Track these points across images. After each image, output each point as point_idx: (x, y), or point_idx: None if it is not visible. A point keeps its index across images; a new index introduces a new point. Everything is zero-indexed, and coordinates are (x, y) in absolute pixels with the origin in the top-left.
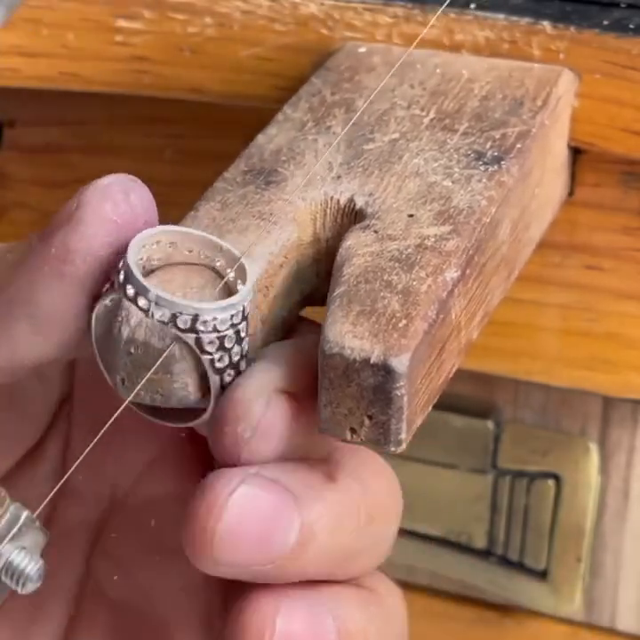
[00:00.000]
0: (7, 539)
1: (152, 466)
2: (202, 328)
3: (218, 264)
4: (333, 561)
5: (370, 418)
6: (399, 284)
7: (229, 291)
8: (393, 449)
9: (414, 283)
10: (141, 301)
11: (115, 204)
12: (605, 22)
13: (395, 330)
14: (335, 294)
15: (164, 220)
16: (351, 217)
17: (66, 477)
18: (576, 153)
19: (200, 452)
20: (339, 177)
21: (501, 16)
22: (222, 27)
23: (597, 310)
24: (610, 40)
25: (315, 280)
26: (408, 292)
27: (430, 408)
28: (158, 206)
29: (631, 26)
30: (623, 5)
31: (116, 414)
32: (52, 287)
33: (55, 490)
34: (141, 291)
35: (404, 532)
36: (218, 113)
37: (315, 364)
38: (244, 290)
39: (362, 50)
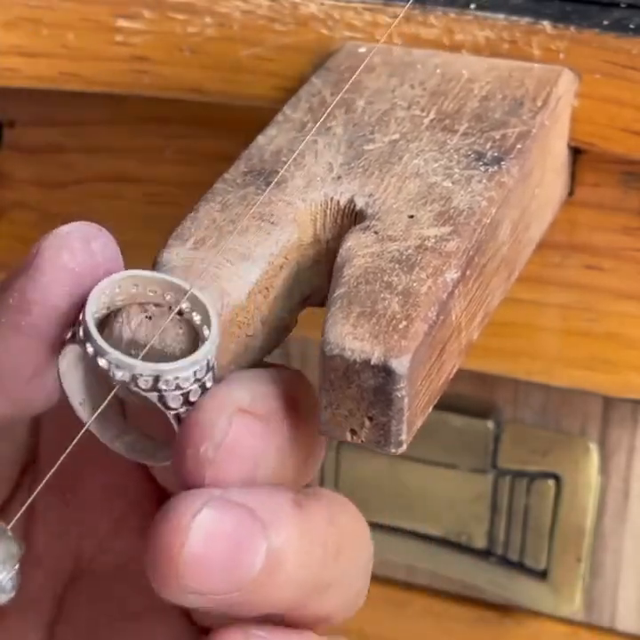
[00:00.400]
0: None
1: (115, 531)
2: (164, 387)
3: (183, 306)
4: (301, 592)
5: (370, 419)
6: (399, 286)
7: (194, 332)
8: (393, 450)
9: (414, 284)
10: (101, 361)
11: (72, 253)
12: (605, 22)
13: (395, 331)
14: (335, 295)
15: (164, 220)
16: (351, 218)
17: (35, 494)
18: (576, 153)
19: None
20: (339, 178)
21: (501, 16)
22: (222, 27)
23: (597, 310)
24: (610, 40)
25: (315, 281)
26: (408, 294)
27: (431, 409)
28: (158, 206)
29: (631, 26)
30: (623, 5)
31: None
32: (9, 339)
33: (26, 505)
34: (100, 352)
35: (404, 532)
36: (218, 113)
37: (279, 389)
38: (206, 344)
39: (362, 50)
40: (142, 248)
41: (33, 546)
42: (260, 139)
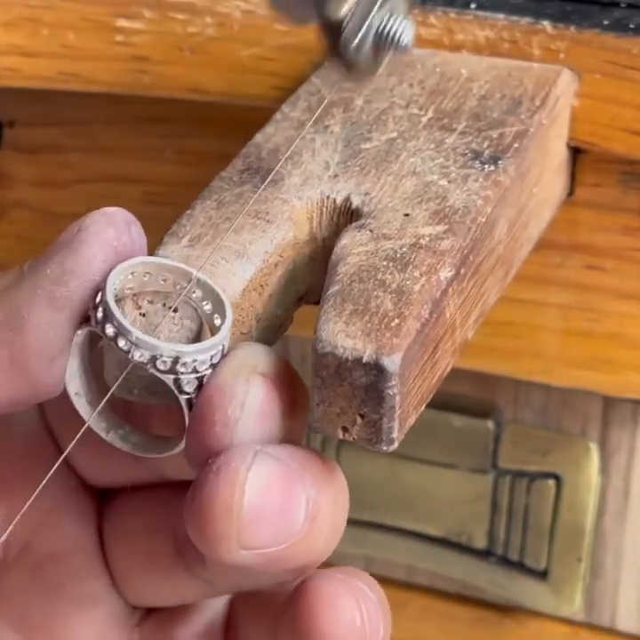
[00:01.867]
0: None
1: (44, 523)
2: (182, 369)
3: (194, 296)
4: (330, 541)
5: (362, 416)
6: (393, 284)
7: (200, 323)
8: (385, 448)
9: (408, 282)
10: (121, 342)
11: (118, 231)
12: (605, 22)
13: (387, 329)
14: (329, 293)
15: (164, 220)
16: (347, 216)
17: (10, 528)
18: (576, 153)
19: (95, 502)
20: (335, 176)
21: (501, 16)
22: (222, 26)
23: (598, 310)
24: (610, 40)
25: (311, 279)
26: (401, 292)
27: (423, 407)
28: (158, 206)
29: (631, 26)
30: (623, 5)
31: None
32: (41, 313)
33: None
34: (122, 332)
35: (404, 532)
36: (218, 113)
37: (279, 358)
38: (224, 328)
39: None
40: None
41: None
42: (258, 137)
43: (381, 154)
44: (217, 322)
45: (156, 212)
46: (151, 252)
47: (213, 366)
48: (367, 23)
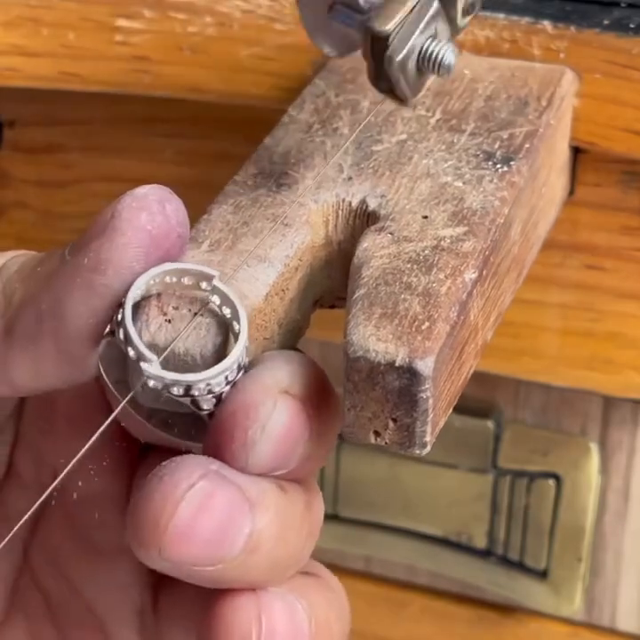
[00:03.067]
0: None
1: (87, 462)
2: (196, 393)
3: (213, 302)
4: (273, 571)
5: (394, 421)
6: (419, 286)
7: (225, 328)
8: (418, 451)
9: (434, 284)
10: (141, 365)
11: (151, 214)
12: (605, 22)
13: (418, 332)
14: (356, 297)
15: None
16: (363, 219)
17: (50, 490)
18: (577, 152)
19: (132, 455)
20: (349, 178)
21: (501, 15)
22: (222, 26)
23: (598, 310)
24: (610, 40)
25: (326, 283)
26: (429, 294)
27: (451, 410)
28: None
29: (631, 26)
30: (623, 5)
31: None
32: (81, 301)
33: (35, 507)
34: (141, 357)
35: (404, 532)
36: (218, 113)
37: (311, 370)
38: (236, 348)
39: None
40: None
41: (17, 470)
42: (268, 140)
43: (393, 156)
44: (236, 327)
45: None
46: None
47: (230, 383)
48: (411, 41)
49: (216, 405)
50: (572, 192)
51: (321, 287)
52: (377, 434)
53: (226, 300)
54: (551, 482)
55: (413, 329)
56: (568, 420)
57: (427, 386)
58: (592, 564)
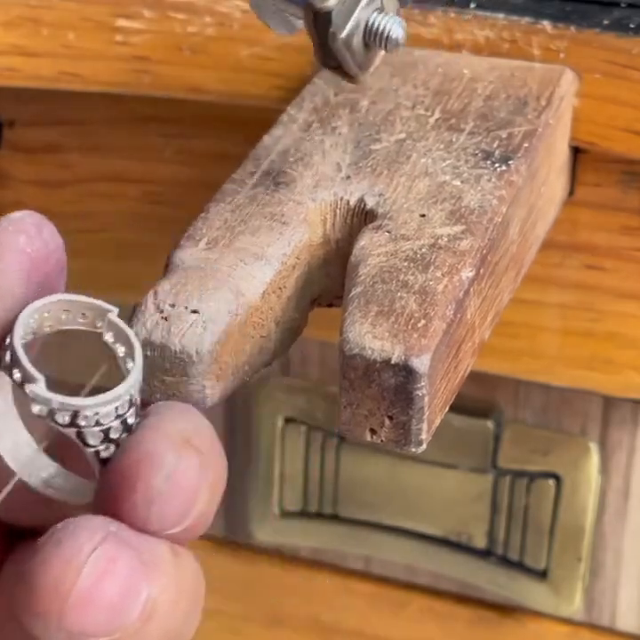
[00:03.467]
0: None
1: None
2: (83, 423)
3: (106, 338)
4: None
5: (390, 418)
6: (416, 284)
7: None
8: (413, 449)
9: (431, 282)
10: (28, 388)
11: (29, 238)
12: (605, 22)
13: (414, 330)
14: (352, 295)
15: (164, 220)
16: (361, 217)
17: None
18: (576, 152)
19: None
20: (348, 177)
21: (501, 15)
22: (222, 26)
23: (598, 310)
24: (610, 40)
25: (324, 281)
26: (425, 292)
27: (447, 408)
28: (158, 206)
29: (631, 26)
30: (623, 5)
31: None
32: None
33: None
34: (28, 379)
35: (404, 532)
36: (218, 112)
37: (206, 421)
38: (129, 379)
39: None
40: (142, 248)
41: None
42: (266, 139)
43: (392, 155)
44: (129, 365)
45: (156, 212)
46: (168, 255)
47: (119, 417)
48: (356, 16)
49: (103, 442)
50: (571, 192)
51: (319, 285)
52: (373, 431)
53: (120, 336)
54: (551, 482)
55: (409, 327)
56: (568, 419)
57: (422, 383)
58: (592, 564)
